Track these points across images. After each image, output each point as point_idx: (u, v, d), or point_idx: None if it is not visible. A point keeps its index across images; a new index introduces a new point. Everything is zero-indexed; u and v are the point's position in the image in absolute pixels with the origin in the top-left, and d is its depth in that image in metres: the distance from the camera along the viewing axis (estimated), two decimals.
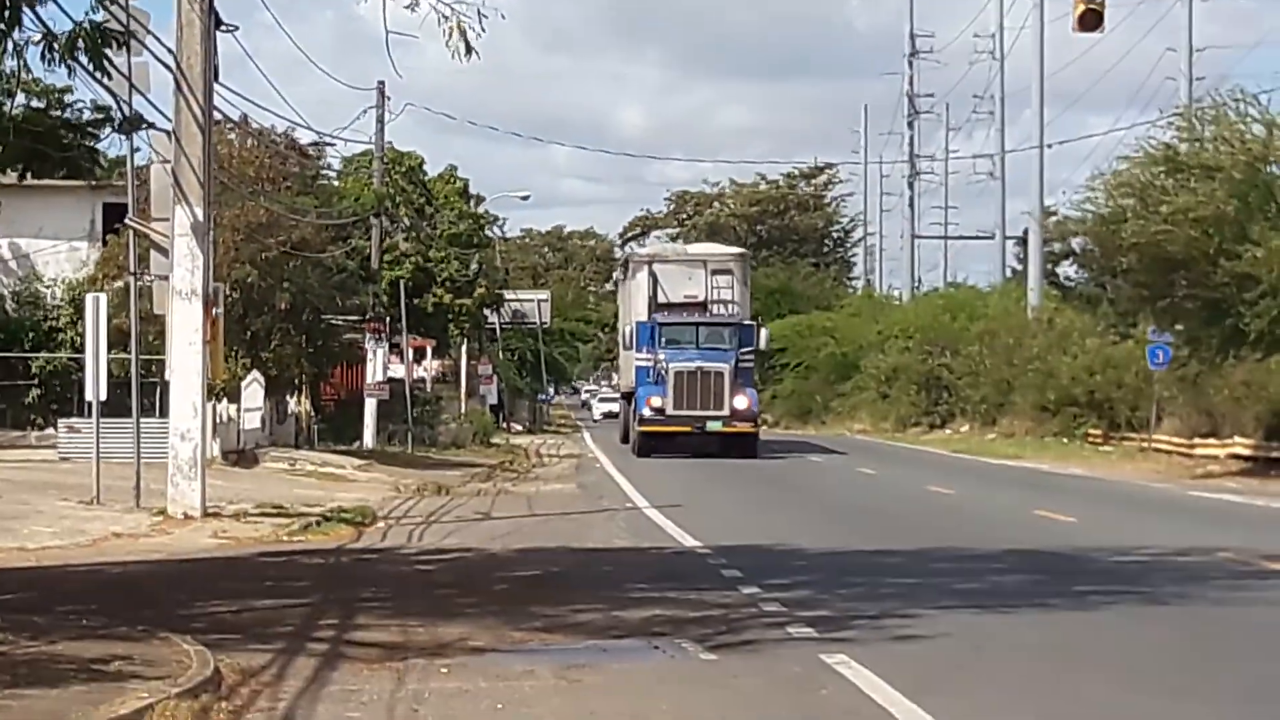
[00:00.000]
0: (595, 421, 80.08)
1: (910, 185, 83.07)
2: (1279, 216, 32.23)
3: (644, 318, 39.66)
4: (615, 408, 57.01)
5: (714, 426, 35.42)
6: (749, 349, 38.43)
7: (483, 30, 13.16)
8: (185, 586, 15.89)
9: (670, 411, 35.43)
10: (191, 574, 17.32)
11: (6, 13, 11.44)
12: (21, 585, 14.99)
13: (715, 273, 40.18)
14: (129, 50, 14.62)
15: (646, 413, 36.26)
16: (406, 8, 13.24)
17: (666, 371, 36.07)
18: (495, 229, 67.13)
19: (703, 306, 39.94)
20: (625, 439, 44.80)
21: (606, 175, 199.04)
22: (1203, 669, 10.77)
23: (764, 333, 42.03)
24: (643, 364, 38.78)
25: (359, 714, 9.39)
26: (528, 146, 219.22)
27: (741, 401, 35.84)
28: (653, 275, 40.61)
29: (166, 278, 21.58)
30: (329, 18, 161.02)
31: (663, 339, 38.04)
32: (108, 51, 11.57)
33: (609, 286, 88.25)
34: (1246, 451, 36.40)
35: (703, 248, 47.98)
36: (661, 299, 39.99)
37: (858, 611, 13.19)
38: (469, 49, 13.20)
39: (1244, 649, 11.56)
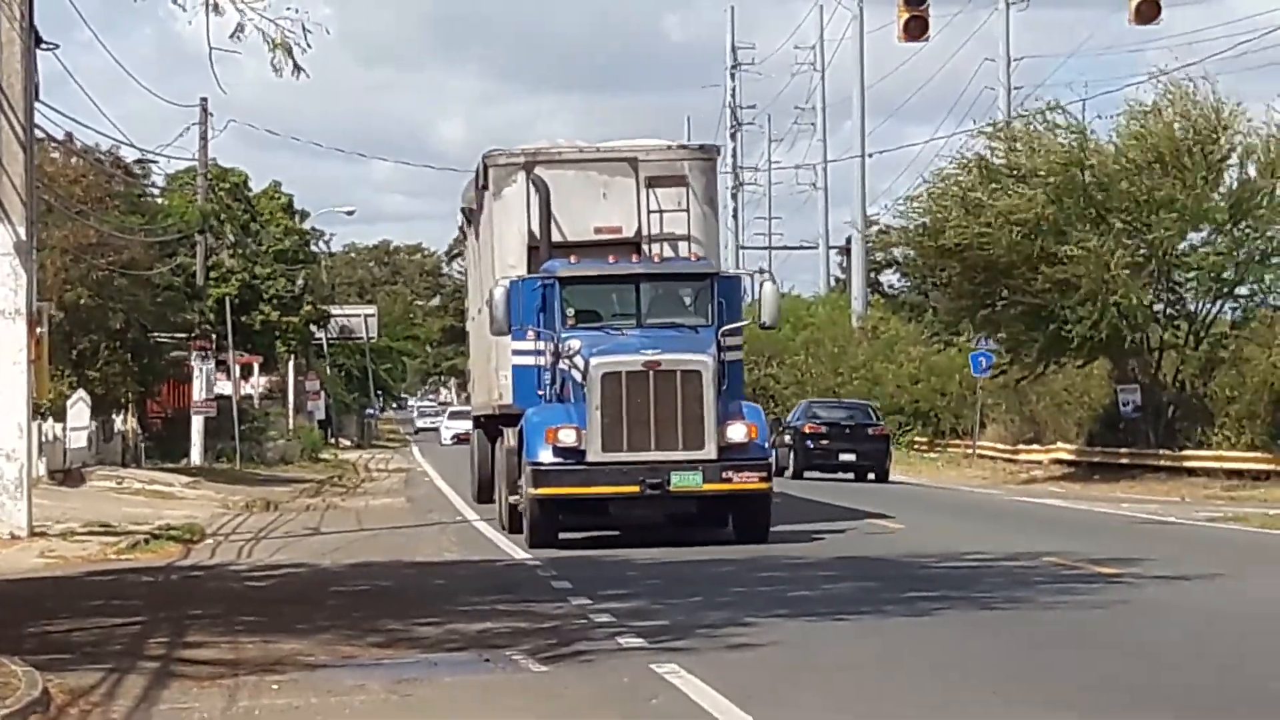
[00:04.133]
0: (443, 444, 69.04)
1: (734, 196, 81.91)
2: (1096, 219, 34.57)
3: (523, 270, 21.38)
4: (470, 421, 32.88)
5: (686, 482, 18.71)
6: (736, 325, 21.28)
7: (308, 46, 13.05)
8: (12, 606, 15.32)
9: (596, 455, 18.77)
10: (19, 594, 16.77)
11: None
12: None
13: (655, 183, 21.79)
14: None
15: (546, 459, 19.02)
16: (231, 36, 13.27)
17: (584, 374, 19.11)
18: (320, 244, 67.61)
19: (634, 247, 21.62)
20: (483, 494, 26.53)
21: (432, 189, 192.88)
22: (1033, 671, 10.92)
23: (767, 290, 22.10)
24: (527, 361, 21.01)
25: None
26: (351, 161, 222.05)
27: (738, 430, 19.09)
28: (539, 189, 21.63)
29: None
30: (149, 34, 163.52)
31: (569, 309, 20.53)
32: None
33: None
34: (1069, 457, 40.34)
35: (630, 142, 24.23)
36: (555, 236, 21.63)
37: (689, 621, 13.00)
38: (296, 67, 13.31)
39: (1072, 651, 11.75)
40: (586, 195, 21.86)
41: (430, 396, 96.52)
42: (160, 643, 12.65)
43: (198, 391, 42.90)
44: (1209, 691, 9.68)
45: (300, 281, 55.60)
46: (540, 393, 20.57)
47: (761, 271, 34.23)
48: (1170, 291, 37.41)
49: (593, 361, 18.88)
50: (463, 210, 27.70)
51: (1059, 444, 41.89)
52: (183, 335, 43.15)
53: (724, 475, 18.75)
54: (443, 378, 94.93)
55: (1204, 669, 10.76)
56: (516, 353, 21.02)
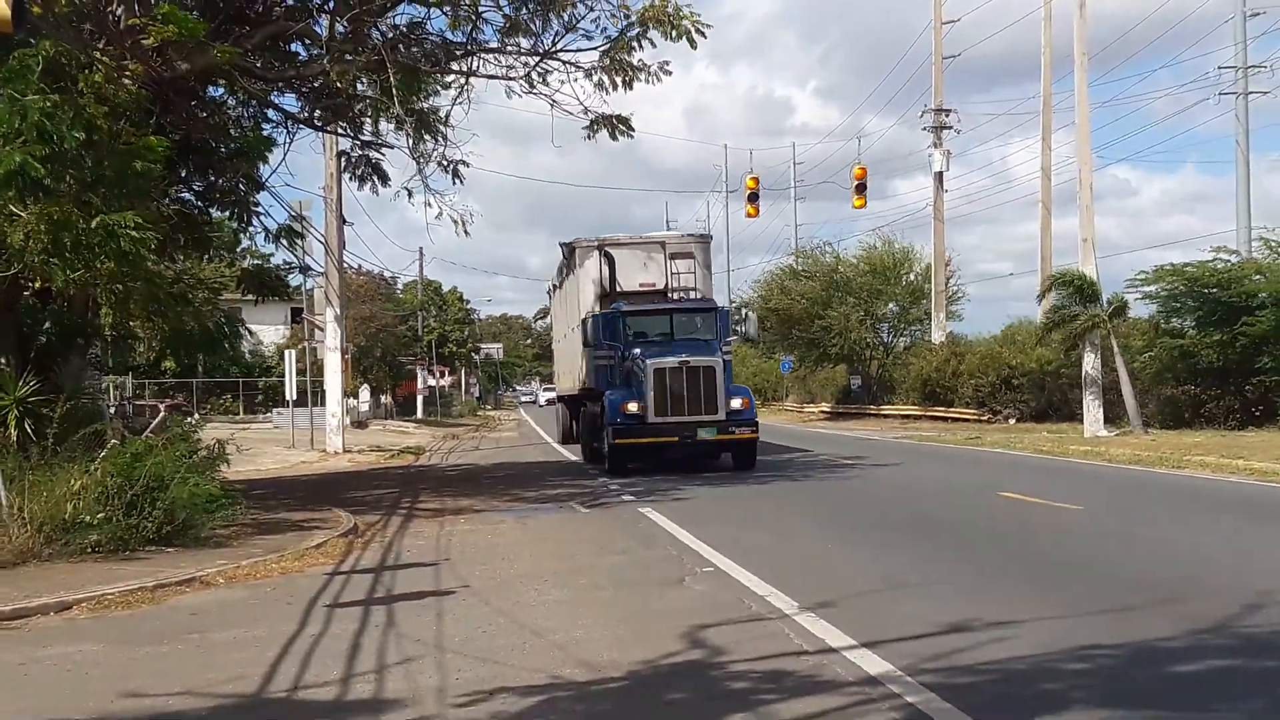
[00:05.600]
0: (540, 406, 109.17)
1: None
2: (843, 298, 59.81)
3: (597, 309, 30.26)
4: (555, 395, 51.98)
5: (707, 434, 26.24)
6: (728, 340, 29.54)
7: (471, 221, 23.12)
8: (337, 485, 25.06)
9: (652, 419, 26.04)
10: (338, 480, 27.09)
11: (246, 217, 21.11)
12: (260, 486, 23.34)
13: (675, 257, 30.98)
14: (303, 236, 24.78)
15: (620, 421, 26.38)
16: (437, 217, 23.23)
17: (642, 370, 26.42)
18: (475, 315, 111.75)
19: (662, 295, 30.45)
20: (565, 439, 39.53)
21: (526, 289, 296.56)
22: (815, 504, 19.28)
23: (752, 317, 32.21)
24: (605, 362, 29.24)
25: (422, 541, 15.69)
26: (490, 276, 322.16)
27: (738, 402, 26.66)
28: (607, 258, 30.63)
29: (323, 342, 37.33)
30: (394, 217, 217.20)
31: (629, 331, 28.41)
32: (295, 239, 21.89)
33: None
34: (828, 409, 64.67)
35: (659, 234, 37.08)
36: (615, 288, 30.62)
37: (655, 489, 21.77)
38: (465, 231, 22.88)
39: (835, 497, 20.39)
40: (633, 263, 30.60)
41: (526, 385, 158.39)
42: (406, 501, 21.46)
43: (420, 384, 77.80)
44: (902, 518, 17.63)
45: (465, 333, 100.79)
46: (611, 381, 28.14)
47: (747, 306, 55.53)
48: (875, 333, 63.97)
49: (648, 362, 26.08)
50: (550, 287, 42.34)
51: (822, 404, 68.93)
52: (412, 357, 77.60)
53: (730, 429, 26.18)
54: (529, 376, 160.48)
55: (896, 506, 19.03)
56: (597, 357, 29.44)
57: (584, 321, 29.83)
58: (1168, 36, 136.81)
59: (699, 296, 30.14)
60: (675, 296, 30.04)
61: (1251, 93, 48.31)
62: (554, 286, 39.90)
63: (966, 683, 7.80)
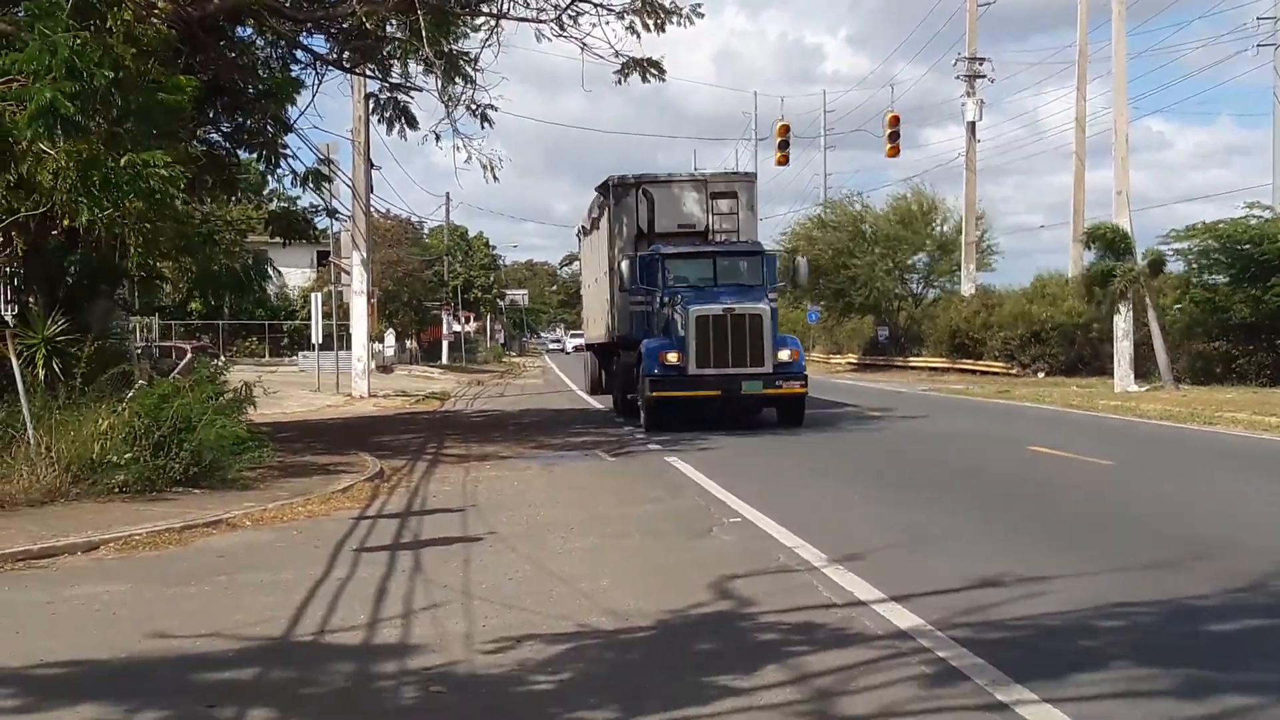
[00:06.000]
0: (566, 353, 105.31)
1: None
2: (869, 248, 58.98)
3: (632, 251, 27.72)
4: (583, 343, 46.88)
5: (752, 388, 23.91)
6: (774, 286, 26.69)
7: (500, 165, 22.87)
8: (363, 430, 25.18)
9: (693, 370, 23.81)
10: (363, 424, 27.22)
11: (274, 159, 20.98)
12: (287, 429, 23.42)
13: (717, 196, 28.31)
14: (331, 180, 24.44)
15: (658, 372, 24.09)
16: (466, 161, 23.19)
17: (685, 318, 24.07)
18: (500, 261, 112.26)
19: (702, 236, 28.03)
20: (593, 390, 36.73)
21: (550, 235, 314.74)
22: (851, 462, 18.70)
23: (803, 263, 28.09)
24: (641, 308, 27.17)
25: (448, 487, 15.74)
26: (514, 221, 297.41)
27: (786, 353, 24.18)
28: (646, 197, 28.10)
29: (349, 285, 37.16)
30: (421, 161, 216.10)
31: (669, 276, 25.95)
32: (323, 182, 21.60)
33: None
34: (854, 361, 63.75)
35: (699, 171, 35.09)
36: (653, 229, 28.19)
37: (681, 439, 21.55)
38: (494, 177, 22.84)
39: (869, 452, 20.12)
40: (672, 202, 28.31)
41: (552, 332, 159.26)
42: (431, 446, 21.59)
43: (445, 329, 75.60)
44: (930, 472, 17.52)
45: (490, 279, 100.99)
46: (648, 329, 26.16)
47: (797, 250, 49.21)
48: (903, 283, 63.56)
49: (690, 309, 23.82)
50: (579, 230, 39.98)
51: (849, 355, 68.11)
52: (437, 302, 76.13)
53: (776, 383, 23.87)
54: (554, 323, 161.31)
55: (925, 460, 19.01)
56: (633, 303, 27.34)
57: (620, 265, 27.15)
58: None
59: (743, 239, 27.89)
60: (718, 239, 27.93)
61: None
62: (584, 230, 37.87)
63: (998, 638, 7.72)
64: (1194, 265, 40.98)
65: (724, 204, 28.37)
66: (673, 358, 23.94)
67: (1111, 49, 38.60)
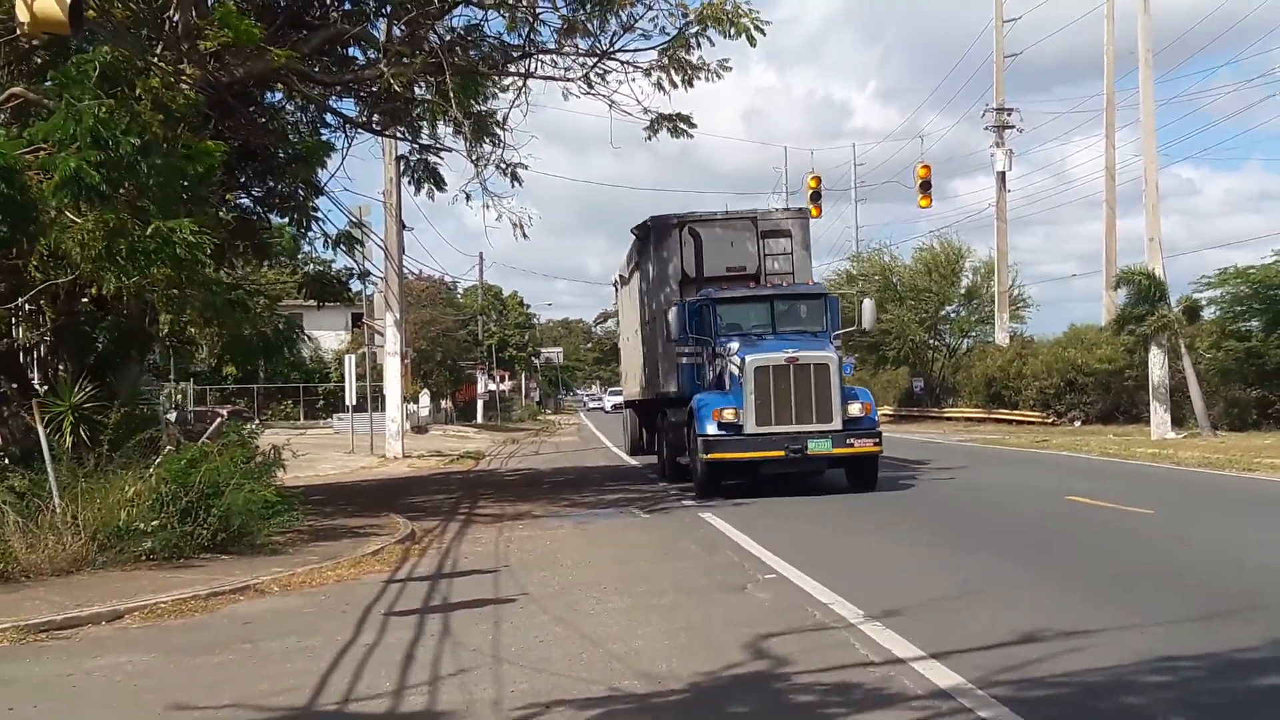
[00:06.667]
0: (605, 412, 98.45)
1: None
2: (900, 300, 59.80)
3: (677, 298, 24.91)
4: (622, 400, 42.68)
5: (820, 447, 21.11)
6: (842, 331, 24.83)
7: (530, 224, 22.58)
8: (396, 491, 25.07)
9: (751, 428, 21.15)
10: (396, 485, 27.19)
11: (305, 223, 21.01)
12: (319, 492, 23.22)
13: (768, 235, 25.59)
14: (363, 243, 24.56)
15: (712, 431, 21.38)
16: (496, 219, 23.08)
17: (740, 369, 21.52)
18: (535, 320, 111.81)
19: (754, 280, 25.14)
20: (634, 450, 33.12)
21: (584, 293, 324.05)
22: (887, 514, 18.37)
23: (867, 305, 24.55)
24: (691, 360, 24.28)
25: (480, 548, 15.65)
26: (547, 280, 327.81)
27: (857, 407, 21.71)
28: (693, 236, 25.47)
29: (383, 347, 37.58)
30: (452, 222, 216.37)
31: (721, 322, 23.31)
32: (355, 244, 21.57)
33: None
34: (891, 412, 61.89)
35: (750, 208, 29.83)
36: (701, 273, 25.41)
37: (715, 493, 21.00)
38: (524, 234, 22.65)
39: (905, 503, 19.73)
40: (719, 244, 25.59)
41: (588, 389, 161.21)
42: (465, 506, 21.42)
43: (480, 388, 77.81)
44: (969, 523, 17.31)
45: (525, 337, 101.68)
46: (698, 382, 23.53)
47: (863, 292, 43.35)
48: (936, 335, 64.16)
49: (747, 359, 21.32)
50: (616, 280, 35.95)
51: (885, 407, 61.70)
52: (472, 361, 77.68)
53: (847, 441, 21.16)
54: (589, 380, 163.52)
55: (963, 511, 18.75)
56: (681, 355, 24.50)
57: (667, 312, 24.20)
58: (1229, 35, 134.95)
59: (798, 282, 25.11)
60: (771, 282, 24.94)
61: None
62: (621, 279, 34.16)
63: (1041, 695, 7.45)
64: (1228, 312, 40.57)
65: (776, 243, 25.81)
66: (729, 414, 21.43)
67: (1139, 97, 38.38)
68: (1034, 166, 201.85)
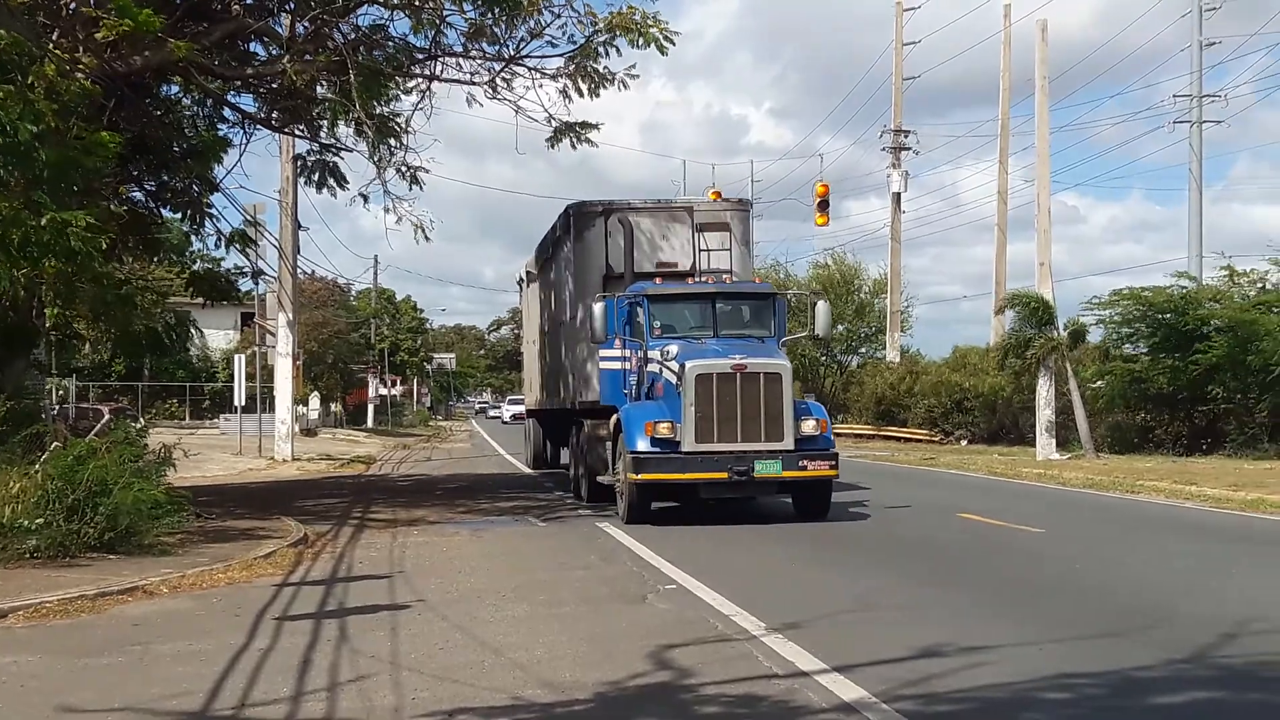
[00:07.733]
0: (504, 422, 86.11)
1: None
2: (792, 315, 56.16)
3: (601, 295, 20.88)
4: (523, 409, 39.41)
5: (768, 469, 18.35)
6: (793, 336, 23.29)
7: (432, 227, 22.07)
8: (286, 494, 24.61)
9: (690, 446, 18.36)
10: (286, 489, 26.52)
11: (199, 219, 20.64)
12: (207, 494, 22.59)
13: (704, 228, 22.68)
14: (256, 242, 24.05)
15: (644, 448, 18.48)
16: (396, 222, 22.38)
17: (679, 376, 18.74)
18: (429, 324, 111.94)
19: (686, 278, 22.09)
20: (536, 463, 31.47)
21: (478, 299, 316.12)
22: (781, 526, 18.37)
23: (822, 307, 21.79)
24: (614, 365, 21.24)
25: (375, 552, 15.30)
26: (442, 285, 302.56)
27: (812, 424, 18.91)
28: (622, 226, 22.29)
29: (274, 347, 36.80)
30: (347, 224, 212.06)
31: (655, 323, 20.36)
32: (249, 243, 21.21)
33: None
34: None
35: (686, 197, 28.72)
36: (622, 267, 22.17)
37: (611, 505, 19.95)
38: (426, 238, 22.13)
39: (797, 518, 19.17)
40: (650, 237, 22.73)
41: (480, 396, 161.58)
42: (357, 511, 21.08)
43: (371, 393, 74.88)
44: (864, 537, 17.37)
45: (418, 342, 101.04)
46: (625, 391, 20.64)
47: (816, 293, 35.99)
48: (828, 352, 64.53)
49: (688, 365, 18.58)
50: (521, 276, 32.77)
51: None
52: (363, 365, 76.17)
53: (800, 463, 18.55)
54: (481, 388, 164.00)
55: (857, 525, 18.66)
56: (605, 358, 21.34)
57: (591, 309, 20.62)
58: (1115, 69, 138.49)
59: (737, 280, 22.26)
60: (705, 279, 21.97)
61: (1205, 121, 48.63)
62: (528, 275, 30.92)
63: (945, 710, 7.50)
64: (1115, 334, 41.44)
65: (714, 238, 22.73)
66: (664, 429, 18.55)
67: (1033, 124, 39.09)
68: (925, 190, 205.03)
